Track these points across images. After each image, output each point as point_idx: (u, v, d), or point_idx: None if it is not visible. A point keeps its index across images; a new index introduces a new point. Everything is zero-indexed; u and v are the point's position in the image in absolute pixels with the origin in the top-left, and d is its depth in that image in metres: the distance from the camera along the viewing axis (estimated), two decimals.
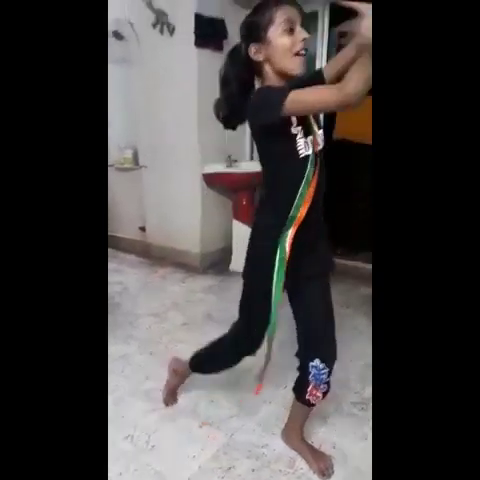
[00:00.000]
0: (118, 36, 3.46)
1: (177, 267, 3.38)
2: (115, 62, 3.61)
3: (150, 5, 3.08)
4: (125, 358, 2.08)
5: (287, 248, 1.16)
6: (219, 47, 2.98)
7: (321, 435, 1.57)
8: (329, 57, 3.05)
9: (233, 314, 1.40)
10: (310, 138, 1.15)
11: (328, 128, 3.28)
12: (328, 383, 1.33)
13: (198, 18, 2.89)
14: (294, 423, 1.48)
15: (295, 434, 1.49)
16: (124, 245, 3.95)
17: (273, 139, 1.14)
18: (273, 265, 1.18)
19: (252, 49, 1.11)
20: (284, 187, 1.17)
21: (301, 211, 1.14)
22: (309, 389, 1.32)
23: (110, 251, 3.92)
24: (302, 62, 1.09)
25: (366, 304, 2.62)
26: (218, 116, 1.25)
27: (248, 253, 1.30)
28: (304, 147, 1.13)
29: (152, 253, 3.69)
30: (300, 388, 1.37)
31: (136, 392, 1.82)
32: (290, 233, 1.16)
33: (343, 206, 3.40)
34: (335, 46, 3.03)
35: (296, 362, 1.37)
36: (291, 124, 1.11)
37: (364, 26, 0.84)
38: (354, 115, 3.23)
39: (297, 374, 1.38)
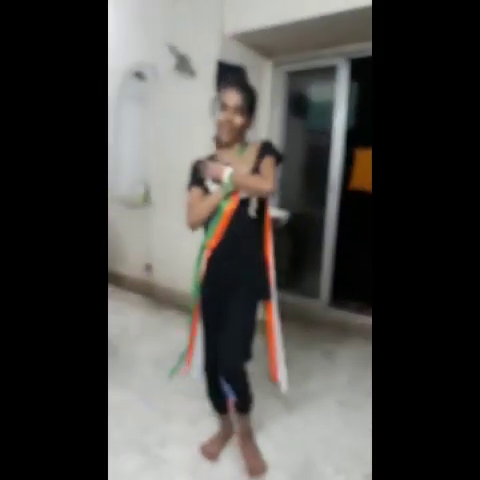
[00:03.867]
0: (140, 76, 3.56)
1: (182, 310, 3.25)
2: (133, 101, 3.70)
3: (173, 50, 3.18)
4: (122, 407, 1.94)
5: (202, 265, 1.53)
6: None
7: None
8: (348, 108, 3.10)
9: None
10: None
11: (345, 178, 3.28)
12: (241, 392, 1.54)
13: (220, 64, 2.96)
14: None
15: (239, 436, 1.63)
16: (127, 283, 3.86)
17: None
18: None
19: (213, 114, 1.52)
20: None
21: (211, 242, 1.48)
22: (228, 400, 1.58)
23: (111, 288, 3.82)
24: (227, 131, 1.48)
25: None
26: None
27: None
28: None
29: (156, 294, 3.59)
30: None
31: (133, 445, 1.68)
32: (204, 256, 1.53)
33: (359, 257, 3.33)
34: (355, 98, 3.09)
35: None
36: (208, 185, 1.50)
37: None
38: (369, 168, 3.25)
39: None
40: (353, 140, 3.22)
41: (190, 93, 3.14)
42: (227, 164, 1.46)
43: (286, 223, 3.09)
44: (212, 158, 1.57)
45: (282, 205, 3.50)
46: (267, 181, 1.41)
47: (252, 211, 1.50)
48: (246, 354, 1.52)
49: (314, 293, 3.39)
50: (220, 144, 1.55)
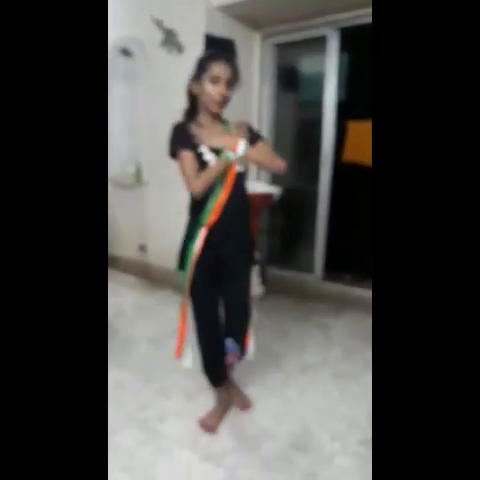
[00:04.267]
0: (126, 53, 3.47)
1: (177, 290, 3.26)
2: (121, 78, 3.62)
3: (160, 24, 3.09)
4: (120, 385, 1.97)
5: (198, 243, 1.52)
6: None
7: (325, 474, 1.45)
8: (339, 80, 3.04)
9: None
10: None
11: (337, 152, 3.25)
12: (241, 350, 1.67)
13: (208, 38, 2.88)
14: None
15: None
16: (122, 264, 3.86)
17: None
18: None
19: (192, 84, 1.50)
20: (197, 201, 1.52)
21: (210, 217, 1.48)
22: (227, 356, 1.64)
23: (108, 270, 3.84)
24: (219, 105, 1.48)
25: None
26: None
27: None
28: None
29: (151, 274, 3.60)
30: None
31: (132, 421, 1.72)
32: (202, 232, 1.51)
33: (353, 230, 3.34)
34: (345, 70, 3.03)
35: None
36: (203, 154, 1.46)
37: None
38: (362, 140, 3.22)
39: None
40: (344, 112, 3.18)
41: (178, 68, 3.07)
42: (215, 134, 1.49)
43: (279, 199, 3.09)
44: (191, 126, 1.52)
45: (274, 180, 3.47)
46: (279, 159, 1.53)
47: (246, 184, 1.55)
48: (250, 313, 1.72)
49: (308, 267, 3.41)
50: (198, 115, 1.54)
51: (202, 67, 1.46)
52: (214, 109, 1.49)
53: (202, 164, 1.46)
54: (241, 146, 1.43)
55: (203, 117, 1.53)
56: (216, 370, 1.70)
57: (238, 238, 1.57)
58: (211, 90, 1.45)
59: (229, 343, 1.63)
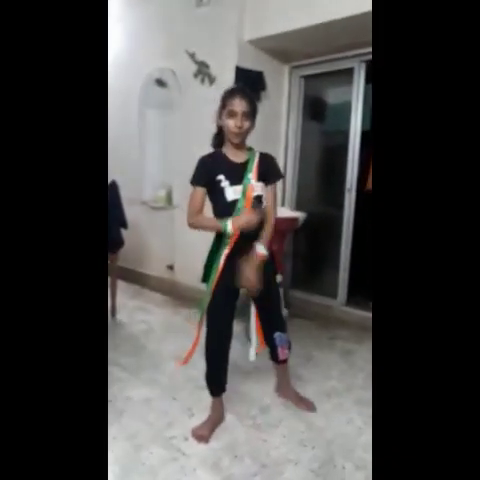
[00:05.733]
0: (161, 83, 3.65)
1: (198, 304, 3.33)
2: (156, 107, 3.80)
3: (193, 56, 3.26)
4: (148, 402, 2.03)
5: (221, 262, 1.67)
6: (257, 98, 3.08)
7: None
8: (364, 110, 3.12)
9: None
10: (239, 187, 1.62)
11: (360, 179, 3.30)
12: (288, 341, 1.97)
13: (238, 69, 3.02)
14: (282, 380, 2.07)
15: (286, 387, 2.06)
16: (151, 282, 3.97)
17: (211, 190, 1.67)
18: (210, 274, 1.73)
19: (217, 118, 1.67)
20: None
21: (232, 239, 1.62)
22: (279, 351, 1.91)
23: (137, 288, 3.95)
24: (237, 136, 1.62)
25: None
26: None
27: None
28: (232, 194, 1.63)
29: (178, 292, 3.69)
30: (274, 354, 1.94)
31: (157, 439, 1.76)
32: (225, 252, 1.66)
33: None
34: (370, 99, 3.10)
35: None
36: (220, 181, 1.63)
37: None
38: None
39: None
40: (368, 141, 3.24)
41: (210, 97, 3.21)
42: (234, 166, 1.67)
43: (303, 223, 3.14)
44: (220, 155, 1.71)
45: (299, 205, 3.55)
46: (273, 217, 1.73)
47: (263, 207, 1.69)
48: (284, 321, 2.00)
49: (332, 292, 3.44)
50: (221, 144, 1.72)
51: (222, 103, 1.64)
52: (233, 140, 1.64)
53: (219, 190, 1.63)
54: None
55: (228, 146, 1.70)
56: (218, 381, 1.82)
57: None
58: (228, 123, 1.60)
59: (277, 337, 1.88)
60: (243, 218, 1.58)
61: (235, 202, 1.63)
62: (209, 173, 1.65)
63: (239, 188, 1.63)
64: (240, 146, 1.68)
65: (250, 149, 1.74)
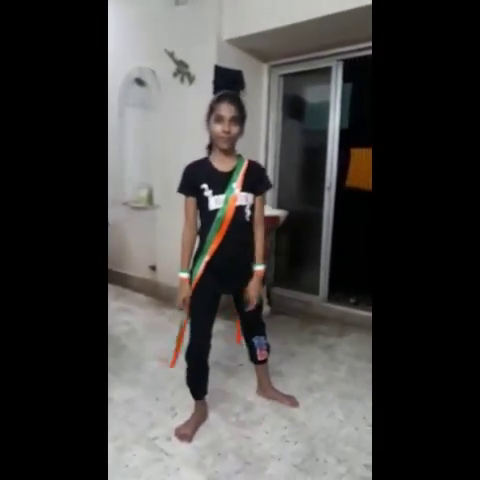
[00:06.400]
0: (140, 82, 3.63)
1: None
2: (135, 106, 3.77)
3: (172, 56, 3.25)
4: (130, 403, 2.02)
5: (201, 268, 1.68)
6: None
7: None
8: (342, 108, 3.16)
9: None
10: (222, 196, 1.62)
11: (341, 178, 3.35)
12: (267, 343, 1.99)
13: (217, 68, 3.01)
14: (262, 380, 2.08)
15: (266, 387, 2.08)
16: (134, 283, 3.95)
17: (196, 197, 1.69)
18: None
19: (206, 123, 1.64)
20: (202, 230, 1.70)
21: (211, 246, 1.65)
22: (257, 352, 1.96)
23: (119, 289, 3.92)
24: (225, 141, 1.60)
25: None
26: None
27: None
28: (214, 203, 1.63)
29: (161, 293, 3.68)
30: (253, 355, 1.99)
31: (140, 440, 1.76)
32: (205, 259, 1.67)
33: (356, 253, 3.40)
34: (347, 98, 3.15)
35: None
36: (204, 190, 1.63)
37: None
38: (362, 166, 3.33)
39: None
40: (347, 139, 3.29)
41: (189, 97, 3.21)
42: (219, 174, 1.66)
43: (284, 221, 3.17)
44: (205, 163, 1.70)
45: (280, 204, 3.58)
46: (261, 230, 1.77)
47: (247, 217, 1.70)
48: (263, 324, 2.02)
49: (313, 289, 3.48)
50: (213, 151, 1.71)
51: (210, 108, 1.62)
52: (221, 145, 1.62)
53: (204, 199, 1.64)
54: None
55: (216, 153, 1.68)
56: (199, 385, 1.82)
57: (238, 264, 1.73)
58: (216, 128, 1.59)
59: (255, 340, 1.94)
60: (182, 294, 1.70)
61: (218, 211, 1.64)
62: (194, 182, 1.65)
63: (222, 197, 1.63)
64: (228, 152, 1.67)
65: (239, 156, 1.72)
